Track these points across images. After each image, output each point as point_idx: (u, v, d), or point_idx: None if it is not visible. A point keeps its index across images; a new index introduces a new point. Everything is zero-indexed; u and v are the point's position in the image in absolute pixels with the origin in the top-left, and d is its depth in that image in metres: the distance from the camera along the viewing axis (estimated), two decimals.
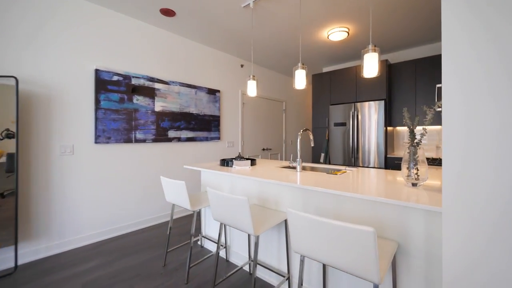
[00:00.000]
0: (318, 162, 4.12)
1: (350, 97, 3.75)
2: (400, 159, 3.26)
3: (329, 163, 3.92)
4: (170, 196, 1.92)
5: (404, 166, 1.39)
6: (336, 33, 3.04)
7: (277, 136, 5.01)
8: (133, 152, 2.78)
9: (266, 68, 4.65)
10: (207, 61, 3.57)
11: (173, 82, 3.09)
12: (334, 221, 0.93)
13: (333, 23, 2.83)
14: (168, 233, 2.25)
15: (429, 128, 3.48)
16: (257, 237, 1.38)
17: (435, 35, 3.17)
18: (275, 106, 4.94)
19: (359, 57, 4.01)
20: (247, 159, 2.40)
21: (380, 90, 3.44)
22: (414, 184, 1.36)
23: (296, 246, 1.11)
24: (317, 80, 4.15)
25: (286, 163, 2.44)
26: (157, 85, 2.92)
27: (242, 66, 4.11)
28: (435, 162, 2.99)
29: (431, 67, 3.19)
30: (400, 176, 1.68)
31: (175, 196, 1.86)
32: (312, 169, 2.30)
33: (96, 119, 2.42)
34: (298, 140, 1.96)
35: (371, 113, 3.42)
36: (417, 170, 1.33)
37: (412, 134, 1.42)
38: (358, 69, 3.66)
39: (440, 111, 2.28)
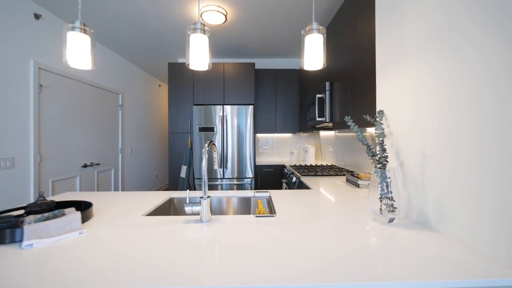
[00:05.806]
0: (178, 178, 3.19)
1: (218, 98, 3.22)
2: (268, 166, 3.20)
3: (193, 178, 3.14)
4: None
5: (373, 194, 1.03)
6: (211, 13, 2.36)
7: (109, 143, 3.37)
8: None
9: (96, 40, 2.93)
10: None
11: None
12: None
13: None
14: None
15: (278, 135, 3.76)
16: None
17: (293, 51, 3.46)
18: (107, 98, 3.30)
19: (233, 55, 3.58)
20: (64, 205, 1.07)
21: (249, 94, 3.22)
22: (391, 220, 1.01)
23: None
24: (175, 71, 3.21)
25: (160, 197, 1.39)
26: None
27: (38, 17, 2.22)
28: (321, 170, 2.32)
29: (288, 78, 3.44)
30: (346, 197, 1.33)
31: None
32: (213, 209, 1.46)
33: None
34: (204, 158, 1.06)
35: (241, 118, 3.10)
36: (391, 199, 1.01)
37: (369, 148, 1.10)
38: (226, 66, 3.21)
39: (317, 120, 2.32)
